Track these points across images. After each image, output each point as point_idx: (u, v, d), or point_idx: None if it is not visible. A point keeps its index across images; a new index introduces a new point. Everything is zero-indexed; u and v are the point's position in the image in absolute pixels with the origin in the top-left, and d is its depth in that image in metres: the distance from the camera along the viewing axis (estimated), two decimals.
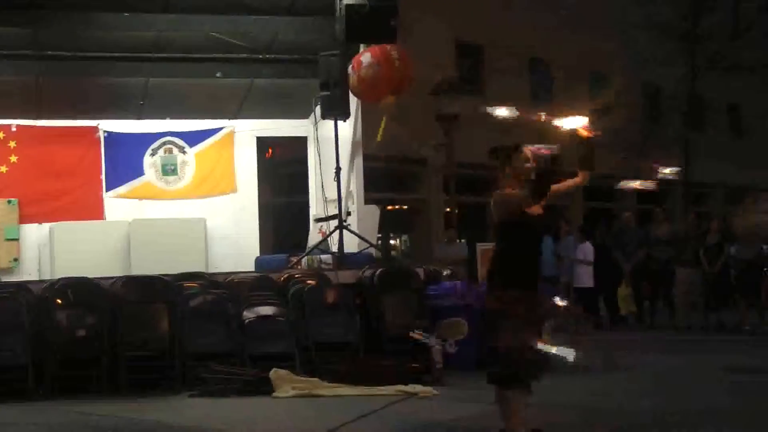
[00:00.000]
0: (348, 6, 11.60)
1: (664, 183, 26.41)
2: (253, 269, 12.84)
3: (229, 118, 14.83)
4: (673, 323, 15.02)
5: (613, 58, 24.09)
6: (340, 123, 12.63)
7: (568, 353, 5.98)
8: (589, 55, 24.12)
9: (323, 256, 12.60)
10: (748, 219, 14.69)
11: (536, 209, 6.09)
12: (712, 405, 7.81)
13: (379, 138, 12.33)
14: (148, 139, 14.61)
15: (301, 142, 15.25)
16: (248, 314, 9.71)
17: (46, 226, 13.72)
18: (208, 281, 10.63)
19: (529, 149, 6.21)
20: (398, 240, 22.28)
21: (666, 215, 17.15)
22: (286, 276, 11.05)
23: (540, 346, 6.20)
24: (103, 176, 14.29)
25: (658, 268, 15.14)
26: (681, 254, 14.88)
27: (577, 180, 6.35)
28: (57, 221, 13.65)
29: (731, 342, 12.95)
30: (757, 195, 18.13)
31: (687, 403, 7.98)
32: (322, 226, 13.65)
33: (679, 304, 15.10)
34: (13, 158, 13.86)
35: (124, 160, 14.46)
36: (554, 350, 6.06)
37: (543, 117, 6.18)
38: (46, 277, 12.16)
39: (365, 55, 11.84)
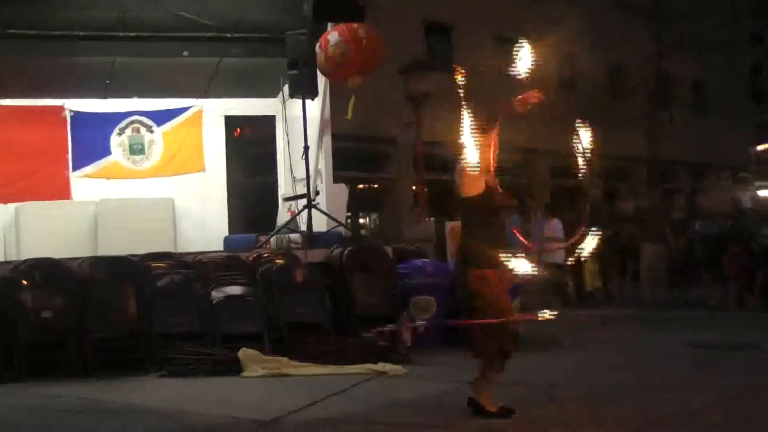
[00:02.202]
0: None
1: (630, 160, 26.74)
2: (221, 249, 12.82)
3: (197, 98, 14.73)
4: (639, 299, 15.20)
5: (580, 37, 24.18)
6: (308, 102, 12.59)
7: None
8: (557, 34, 24.18)
9: (292, 235, 12.60)
10: (711, 196, 14.88)
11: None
12: (674, 379, 7.94)
13: (348, 116, 12.32)
14: (115, 118, 14.48)
15: (269, 121, 15.20)
16: (217, 294, 9.70)
17: (12, 206, 13.56)
18: (177, 261, 10.58)
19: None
20: (367, 218, 22.32)
21: (631, 192, 17.30)
22: (255, 255, 11.05)
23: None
24: (69, 156, 14.14)
25: (624, 244, 15.30)
26: (647, 230, 15.02)
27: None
28: (23, 202, 13.52)
29: (695, 317, 13.11)
30: (720, 172, 18.37)
31: (650, 377, 8.10)
32: (291, 205, 13.64)
33: (645, 281, 15.26)
34: None
35: (91, 140, 14.32)
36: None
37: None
38: (12, 258, 12.03)
39: (332, 34, 11.79)
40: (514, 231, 6.33)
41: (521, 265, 6.07)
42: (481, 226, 6.20)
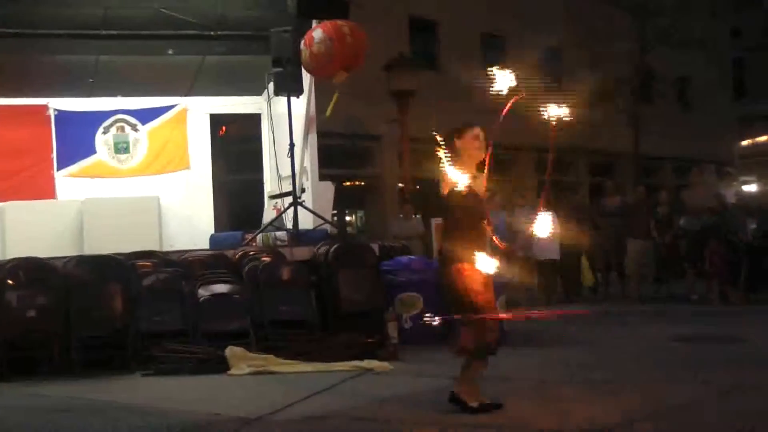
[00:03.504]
0: None
1: (614, 155, 26.82)
2: (207, 247, 12.81)
3: (182, 96, 14.74)
4: (625, 294, 15.27)
5: (565, 34, 24.24)
6: (293, 99, 12.59)
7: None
8: (541, 30, 24.23)
9: (278, 233, 12.59)
10: (695, 191, 14.93)
11: (481, 189, 6.23)
12: (661, 374, 7.97)
13: (328, 114, 12.34)
14: (99, 117, 14.48)
15: (254, 119, 15.22)
16: (203, 292, 9.69)
17: None
18: (162, 259, 10.59)
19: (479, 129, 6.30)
20: (354, 216, 22.32)
21: (617, 187, 17.34)
22: (240, 253, 11.05)
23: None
24: (54, 155, 14.15)
25: (609, 240, 15.34)
26: (631, 226, 15.08)
27: None
28: (7, 201, 13.49)
29: (680, 312, 13.17)
30: (704, 167, 18.44)
31: (636, 372, 8.13)
32: (276, 203, 13.65)
33: (631, 276, 15.33)
34: None
35: (76, 139, 14.33)
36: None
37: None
38: None
39: (317, 31, 11.80)
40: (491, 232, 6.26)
41: (484, 263, 6.05)
42: (461, 223, 6.21)
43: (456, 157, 6.22)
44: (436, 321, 6.01)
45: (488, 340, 6.20)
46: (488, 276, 6.23)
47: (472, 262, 6.14)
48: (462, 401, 6.29)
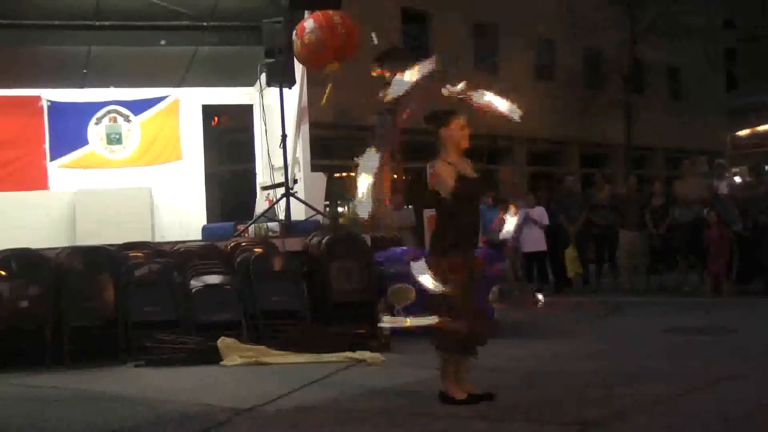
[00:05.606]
0: None
1: (606, 146, 26.87)
2: (199, 238, 12.81)
3: (174, 87, 14.70)
4: (617, 286, 15.30)
5: (556, 24, 24.26)
6: (285, 90, 12.58)
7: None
8: (533, 21, 24.24)
9: (270, 224, 12.59)
10: (688, 182, 14.94)
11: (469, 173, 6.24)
12: (652, 365, 8.00)
13: (323, 102, 12.35)
14: (92, 108, 14.45)
15: (246, 110, 15.20)
16: (195, 283, 9.69)
17: None
18: (154, 250, 10.58)
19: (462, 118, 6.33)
20: (346, 207, 22.31)
21: (608, 179, 17.38)
22: (233, 244, 11.05)
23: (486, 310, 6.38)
24: (46, 146, 14.12)
25: (600, 232, 15.37)
26: (623, 217, 15.10)
27: None
28: (0, 192, 13.46)
29: (672, 304, 13.20)
30: (696, 158, 18.47)
31: (627, 364, 8.16)
32: (268, 194, 13.65)
33: (623, 267, 15.36)
34: None
35: (68, 130, 14.29)
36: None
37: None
38: None
39: (308, 21, 11.80)
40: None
41: (424, 279, 6.04)
42: (453, 215, 6.23)
43: (442, 146, 6.27)
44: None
45: (465, 331, 6.18)
46: (473, 270, 6.24)
47: (461, 255, 6.15)
48: (449, 396, 6.30)
